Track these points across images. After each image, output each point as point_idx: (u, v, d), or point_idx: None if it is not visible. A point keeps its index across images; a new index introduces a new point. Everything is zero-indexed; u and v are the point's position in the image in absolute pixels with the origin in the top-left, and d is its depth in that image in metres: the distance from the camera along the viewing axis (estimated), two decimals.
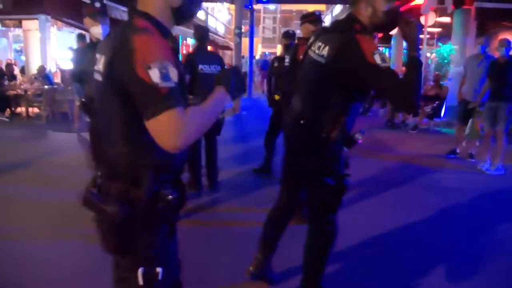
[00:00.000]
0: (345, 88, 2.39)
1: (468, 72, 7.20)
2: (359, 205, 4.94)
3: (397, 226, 4.38)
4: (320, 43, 2.48)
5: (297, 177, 2.89)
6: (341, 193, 2.61)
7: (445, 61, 12.58)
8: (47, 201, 4.80)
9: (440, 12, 12.04)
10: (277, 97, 5.52)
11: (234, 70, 1.69)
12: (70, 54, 8.21)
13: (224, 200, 5.02)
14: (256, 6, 19.02)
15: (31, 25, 12.71)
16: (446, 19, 12.70)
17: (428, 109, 10.29)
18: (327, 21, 25.51)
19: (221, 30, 34.27)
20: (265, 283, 3.11)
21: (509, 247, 4.05)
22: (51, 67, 12.43)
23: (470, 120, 7.13)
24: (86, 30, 10.61)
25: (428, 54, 13.97)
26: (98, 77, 1.57)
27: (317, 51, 2.49)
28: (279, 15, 54.66)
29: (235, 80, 1.65)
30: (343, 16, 2.62)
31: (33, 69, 12.05)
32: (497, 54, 6.65)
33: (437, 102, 10.31)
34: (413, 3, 12.77)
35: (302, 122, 2.57)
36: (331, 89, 2.42)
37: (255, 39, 22.46)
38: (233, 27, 16.46)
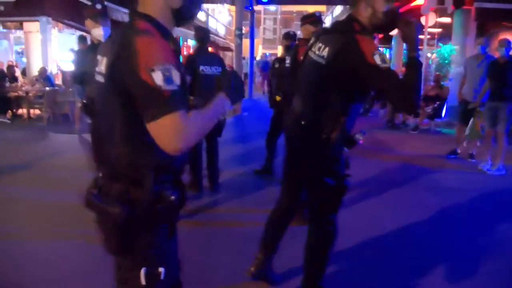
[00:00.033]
0: (345, 89, 2.41)
1: (468, 73, 7.21)
2: (359, 205, 4.95)
3: (397, 227, 4.39)
4: (320, 44, 2.50)
5: (298, 177, 2.90)
6: (341, 193, 2.62)
7: (446, 61, 12.58)
8: (47, 202, 4.82)
9: (440, 12, 12.05)
10: (278, 98, 5.53)
11: (233, 75, 1.72)
12: (71, 56, 8.25)
13: (225, 201, 5.04)
14: (257, 7, 19.05)
15: (32, 27, 12.75)
16: (446, 20, 12.70)
17: (428, 109, 10.30)
18: (327, 22, 25.54)
19: (221, 31, 34.30)
20: (266, 283, 3.12)
21: (510, 247, 4.05)
22: (52, 69, 12.46)
23: (471, 121, 7.14)
24: (87, 31, 10.65)
25: (429, 55, 13.97)
26: (99, 78, 1.58)
27: (317, 52, 2.50)
28: (279, 16, 54.70)
29: (235, 85, 1.68)
30: (344, 17, 2.64)
31: (34, 71, 12.08)
32: (497, 54, 6.66)
33: (437, 103, 10.31)
34: (413, 4, 12.78)
35: (302, 123, 2.59)
36: (331, 90, 2.43)
37: (255, 40, 22.48)
38: (233, 28, 16.50)
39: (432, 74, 12.62)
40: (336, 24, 2.78)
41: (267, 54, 39.03)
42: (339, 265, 3.43)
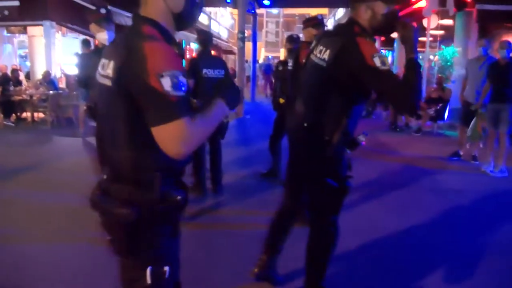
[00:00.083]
0: (346, 91, 2.43)
1: (470, 74, 7.23)
2: (361, 206, 4.97)
3: (399, 228, 4.40)
4: (321, 47, 2.53)
5: (301, 179, 2.92)
6: (343, 194, 2.65)
7: (448, 63, 12.59)
8: (51, 205, 4.85)
9: (442, 14, 12.06)
10: (281, 100, 5.55)
11: (231, 83, 1.76)
12: (75, 60, 8.30)
13: (228, 203, 5.06)
14: (259, 11, 19.08)
15: (36, 31, 12.82)
16: (448, 22, 12.71)
17: (431, 111, 10.31)
18: (329, 25, 25.58)
19: (224, 34, 34.36)
20: (269, 284, 3.14)
21: (510, 247, 4.07)
22: (56, 73, 12.53)
23: (472, 122, 7.14)
24: (91, 35, 10.70)
25: (431, 57, 13.97)
26: (105, 81, 1.59)
27: (318, 55, 2.53)
28: (281, 19, 54.80)
29: (232, 92, 1.71)
30: (345, 19, 2.67)
31: (38, 75, 12.15)
32: (498, 56, 6.67)
33: (440, 105, 10.32)
34: (415, 6, 12.80)
35: (305, 124, 2.62)
36: (332, 92, 2.46)
37: (258, 43, 22.54)
38: (236, 31, 16.51)
39: (434, 76, 12.62)
40: (337, 27, 2.82)
41: (270, 57, 39.05)
42: (340, 265, 3.45)
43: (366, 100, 2.66)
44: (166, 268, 1.65)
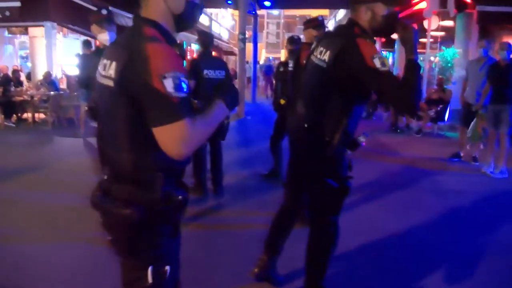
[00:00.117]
0: (346, 92, 2.45)
1: (470, 76, 7.24)
2: (362, 207, 4.98)
3: (399, 228, 4.42)
4: (321, 48, 2.54)
5: (301, 179, 2.94)
6: (343, 195, 2.66)
7: (449, 64, 12.59)
8: (52, 205, 4.86)
9: (443, 16, 12.07)
10: (282, 101, 5.56)
11: (230, 85, 1.78)
12: (76, 60, 8.32)
13: (229, 204, 5.07)
14: (260, 12, 19.12)
15: (37, 32, 12.85)
16: (449, 23, 12.72)
17: (432, 113, 10.32)
18: (330, 26, 25.60)
19: (225, 35, 34.40)
20: (270, 284, 3.15)
21: (510, 248, 4.08)
22: (56, 73, 12.55)
23: (472, 123, 7.15)
24: (92, 36, 10.71)
25: (432, 58, 13.98)
26: (106, 82, 1.59)
27: (318, 56, 2.54)
28: (282, 21, 54.81)
29: (231, 93, 1.74)
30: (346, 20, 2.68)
31: (39, 75, 12.17)
32: (498, 57, 6.68)
33: (440, 106, 10.34)
34: (416, 7, 12.81)
35: (305, 125, 2.63)
36: (332, 93, 2.47)
37: (259, 45, 22.54)
38: (237, 32, 16.53)
39: (435, 78, 12.63)
40: (337, 28, 2.83)
41: (270, 58, 39.07)
42: (341, 265, 3.46)
43: (367, 101, 2.67)
44: (167, 268, 1.67)
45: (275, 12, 50.15)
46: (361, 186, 5.53)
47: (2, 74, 11.83)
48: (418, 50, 2.36)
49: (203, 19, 24.86)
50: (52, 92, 10.67)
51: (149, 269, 1.63)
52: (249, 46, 17.20)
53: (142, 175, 1.59)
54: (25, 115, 11.21)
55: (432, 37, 12.66)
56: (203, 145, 4.84)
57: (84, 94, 8.56)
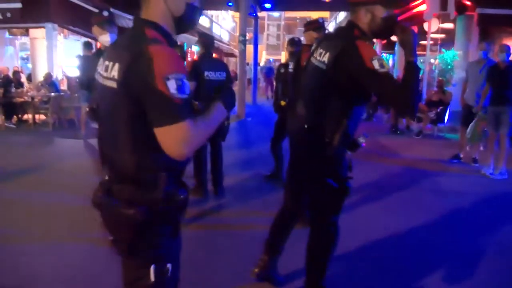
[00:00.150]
0: (346, 93, 2.46)
1: (470, 77, 7.26)
2: (363, 207, 4.99)
3: (399, 228, 4.43)
4: (321, 50, 2.56)
5: (301, 180, 2.95)
6: (343, 195, 2.67)
7: (449, 66, 12.62)
8: (53, 206, 4.87)
9: (443, 18, 12.10)
10: (283, 102, 5.58)
11: (228, 88, 1.83)
12: (77, 62, 8.34)
13: (230, 205, 5.09)
14: (260, 14, 19.16)
15: (38, 33, 12.88)
16: (449, 25, 12.75)
17: (432, 114, 10.34)
18: (330, 28, 25.65)
19: (225, 37, 34.48)
20: (270, 284, 3.17)
21: (510, 248, 4.09)
22: (57, 75, 12.57)
23: (471, 124, 7.16)
24: (92, 38, 10.73)
25: (432, 60, 14.00)
26: (109, 83, 1.59)
27: (318, 58, 2.56)
28: (283, 22, 54.93)
29: (229, 95, 1.78)
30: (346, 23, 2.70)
31: (40, 77, 12.19)
32: (498, 59, 6.70)
33: (440, 108, 10.35)
34: (416, 10, 12.84)
35: (305, 126, 2.65)
36: (332, 94, 2.49)
37: (259, 46, 22.57)
38: (237, 34, 16.56)
39: (435, 80, 12.66)
40: (337, 30, 2.86)
41: (271, 60, 39.15)
42: (341, 265, 3.48)
43: (367, 102, 2.69)
44: (169, 266, 1.68)
45: (275, 14, 50.29)
46: (362, 187, 5.55)
47: (2, 75, 11.85)
48: (418, 52, 2.38)
49: (203, 21, 24.93)
50: (52, 94, 10.69)
51: (152, 268, 1.64)
52: (250, 48, 17.25)
53: (144, 175, 1.60)
54: (25, 116, 11.24)
55: (432, 39, 12.69)
56: (204, 146, 4.86)
57: (85, 96, 8.60)
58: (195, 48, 21.43)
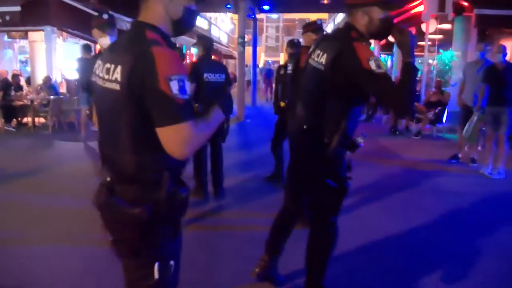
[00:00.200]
0: (344, 94, 2.49)
1: (468, 78, 7.29)
2: (363, 208, 5.01)
3: (399, 229, 4.44)
4: (319, 51, 2.59)
5: (301, 181, 2.97)
6: (342, 195, 2.69)
7: (447, 67, 12.65)
8: (53, 208, 4.88)
9: (441, 19, 12.11)
10: (282, 104, 5.60)
11: (226, 93, 1.86)
12: (76, 65, 8.37)
13: (230, 206, 5.10)
14: (259, 16, 19.14)
15: (37, 36, 12.87)
16: (447, 26, 12.77)
17: (430, 115, 10.36)
18: (329, 29, 25.68)
19: (224, 39, 34.49)
20: (271, 284, 3.19)
21: (510, 248, 4.11)
22: (56, 78, 12.58)
23: (468, 123, 7.15)
24: (91, 40, 10.75)
25: (430, 61, 14.03)
26: (111, 85, 1.60)
27: (316, 59, 2.59)
28: (281, 24, 54.96)
29: (227, 100, 1.82)
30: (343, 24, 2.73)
31: (39, 80, 12.19)
32: (495, 60, 6.72)
33: (439, 108, 10.37)
34: (414, 11, 12.87)
35: (304, 127, 2.67)
36: (331, 95, 2.51)
37: (258, 48, 22.60)
38: (236, 36, 16.58)
39: (433, 80, 12.69)
40: (334, 32, 2.88)
41: (270, 61, 39.17)
42: (341, 265, 3.50)
43: (365, 103, 2.72)
44: (172, 263, 1.71)
45: (274, 15, 50.32)
46: (361, 187, 5.58)
47: (2, 78, 11.85)
48: (416, 53, 2.41)
49: (202, 23, 24.94)
50: (52, 96, 10.69)
51: (156, 265, 1.66)
52: (249, 50, 17.26)
53: (147, 175, 1.63)
54: (25, 120, 11.24)
55: (430, 40, 12.72)
56: (204, 147, 4.88)
57: (85, 98, 8.63)
58: (194, 50, 21.47)
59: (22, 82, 13.03)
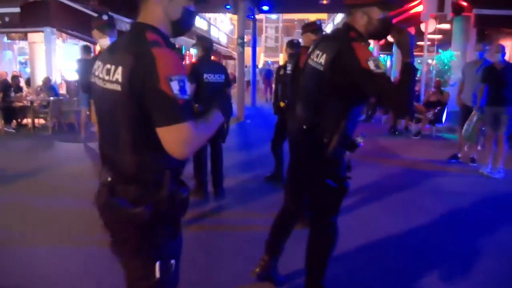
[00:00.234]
0: (343, 94, 2.49)
1: (467, 78, 7.30)
2: (363, 208, 5.01)
3: (399, 229, 4.45)
4: (318, 51, 2.59)
5: (301, 181, 2.98)
6: (342, 195, 2.70)
7: (446, 67, 12.66)
8: (53, 209, 4.89)
9: (440, 19, 12.13)
10: (282, 104, 5.61)
11: (226, 98, 1.88)
12: (76, 66, 8.37)
13: (230, 206, 5.11)
14: (258, 16, 19.14)
15: (37, 37, 12.87)
16: (446, 26, 12.79)
17: (430, 115, 10.37)
18: (328, 30, 25.68)
19: (223, 40, 34.49)
20: (271, 284, 3.19)
21: (509, 248, 4.11)
22: (56, 79, 12.59)
23: (467, 122, 7.16)
24: (91, 41, 10.75)
25: (430, 61, 14.03)
26: (111, 86, 1.61)
27: (315, 59, 2.60)
28: (281, 25, 54.91)
29: (226, 106, 1.83)
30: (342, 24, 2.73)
31: (38, 81, 12.19)
32: (494, 60, 6.73)
33: (438, 108, 10.38)
34: (413, 11, 12.88)
35: (304, 127, 2.68)
36: (329, 95, 2.52)
37: (257, 49, 22.60)
38: (235, 37, 16.59)
39: (432, 80, 12.70)
40: (333, 32, 2.89)
41: (269, 62, 39.17)
42: (341, 265, 3.50)
43: (364, 102, 2.72)
44: (173, 261, 1.72)
45: (273, 16, 50.26)
46: (361, 188, 5.58)
47: (1, 79, 11.85)
48: (416, 53, 2.41)
49: (201, 24, 24.95)
50: (51, 98, 10.69)
51: (157, 264, 1.67)
52: (248, 50, 17.26)
53: (147, 175, 1.64)
54: (25, 121, 11.23)
55: (429, 40, 12.73)
56: (204, 147, 4.89)
57: (84, 99, 8.63)
58: (194, 51, 21.47)
59: (22, 83, 13.04)
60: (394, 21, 2.62)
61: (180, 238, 1.80)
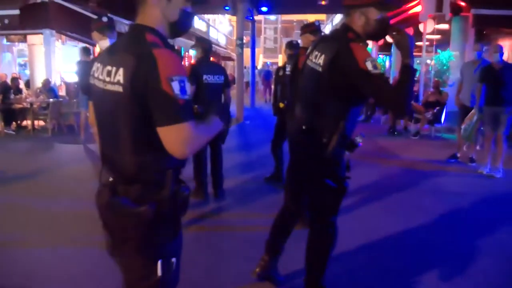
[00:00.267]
0: (341, 94, 2.51)
1: (465, 78, 7.32)
2: (362, 208, 5.02)
3: (398, 229, 4.46)
4: (317, 52, 2.61)
5: (301, 181, 2.99)
6: (341, 195, 2.71)
7: (444, 67, 12.68)
8: (53, 210, 4.90)
9: (439, 19, 12.15)
10: (281, 105, 5.62)
11: (224, 107, 1.92)
12: (75, 68, 8.38)
13: (230, 207, 5.12)
14: (257, 17, 19.17)
15: (36, 39, 12.88)
16: (444, 26, 12.81)
17: (429, 115, 10.38)
18: (327, 30, 25.71)
19: (222, 41, 34.49)
20: (271, 284, 3.21)
21: (509, 248, 4.12)
22: (55, 80, 12.60)
23: (465, 123, 7.16)
24: (90, 43, 10.75)
25: (428, 61, 14.05)
26: (113, 88, 1.61)
27: (314, 60, 2.61)
28: (280, 26, 55.02)
29: (224, 114, 1.86)
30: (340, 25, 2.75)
31: (38, 83, 12.20)
32: (492, 60, 6.74)
33: (437, 108, 10.39)
34: (411, 11, 12.89)
35: (303, 127, 2.69)
36: (328, 96, 2.53)
37: (256, 50, 22.61)
38: (234, 38, 16.59)
39: (431, 80, 12.72)
40: (332, 33, 2.90)
41: (268, 63, 39.18)
42: (341, 265, 3.51)
43: (363, 103, 2.73)
44: (173, 260, 1.74)
45: (272, 17, 50.36)
46: (361, 188, 5.59)
47: (1, 81, 11.85)
48: (414, 54, 2.43)
49: (200, 25, 24.96)
50: (51, 99, 10.69)
51: (159, 263, 1.68)
52: (247, 52, 17.27)
53: (148, 175, 1.65)
54: (24, 123, 11.23)
55: (428, 40, 12.74)
56: (204, 148, 4.90)
57: (84, 101, 8.63)
58: (193, 52, 21.48)
59: (22, 85, 13.04)
60: (392, 21, 2.64)
61: (180, 237, 1.81)
